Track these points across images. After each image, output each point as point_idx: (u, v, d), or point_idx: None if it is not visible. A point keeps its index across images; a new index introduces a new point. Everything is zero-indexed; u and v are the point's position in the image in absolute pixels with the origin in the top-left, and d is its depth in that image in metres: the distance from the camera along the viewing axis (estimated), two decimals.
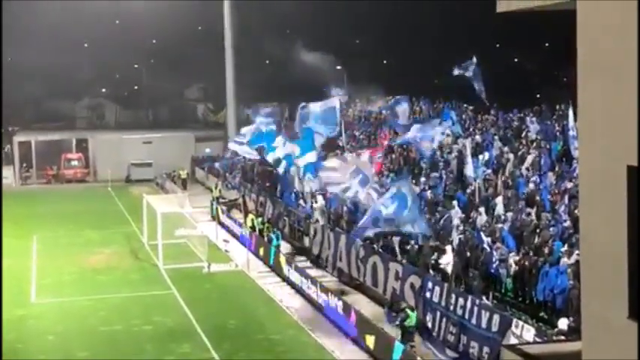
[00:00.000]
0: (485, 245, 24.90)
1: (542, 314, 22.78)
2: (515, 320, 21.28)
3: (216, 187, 53.21)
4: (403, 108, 42.26)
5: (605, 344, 9.59)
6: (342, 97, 49.36)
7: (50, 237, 44.19)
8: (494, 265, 24.69)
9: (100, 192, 62.69)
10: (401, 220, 25.89)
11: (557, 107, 38.87)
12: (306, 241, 37.38)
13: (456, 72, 39.04)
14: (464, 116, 43.21)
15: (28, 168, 69.75)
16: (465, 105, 45.50)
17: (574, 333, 16.76)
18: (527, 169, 31.40)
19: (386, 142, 41.46)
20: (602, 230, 9.64)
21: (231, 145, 47.56)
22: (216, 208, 47.56)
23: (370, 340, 24.46)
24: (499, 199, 28.52)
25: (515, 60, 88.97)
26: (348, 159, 31.92)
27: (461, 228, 27.58)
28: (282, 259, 34.72)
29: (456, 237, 27.29)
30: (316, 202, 37.59)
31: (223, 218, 46.23)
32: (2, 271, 32.23)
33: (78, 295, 32.60)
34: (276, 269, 35.14)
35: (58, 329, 28.15)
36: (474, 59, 38.93)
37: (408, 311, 23.84)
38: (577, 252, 20.68)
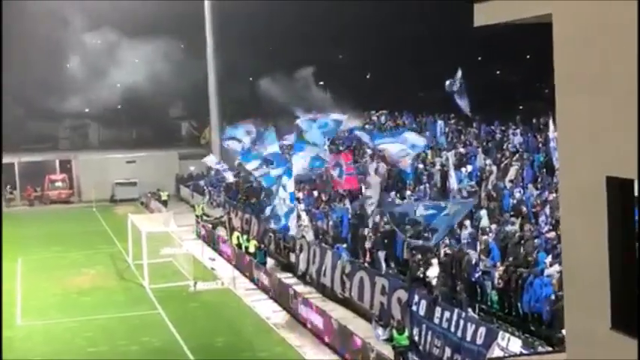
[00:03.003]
0: (473, 257, 25.00)
1: (528, 325, 22.82)
2: (501, 332, 21.32)
3: (198, 206, 53.24)
4: None
5: (589, 355, 9.62)
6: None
7: (35, 259, 44.01)
8: (479, 278, 24.77)
9: (84, 212, 62.49)
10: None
11: (539, 119, 39.03)
12: (293, 257, 37.34)
13: (447, 89, 39.38)
14: (447, 129, 43.37)
15: (12, 190, 69.36)
16: (449, 117, 45.65)
17: None
18: (511, 181, 31.52)
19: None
20: (583, 241, 9.68)
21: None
22: (202, 226, 47.65)
23: None
24: (483, 212, 28.59)
25: (497, 72, 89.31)
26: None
27: (446, 241, 27.61)
28: (268, 276, 34.69)
29: (441, 250, 27.34)
30: (300, 218, 37.58)
31: (208, 236, 46.20)
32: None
33: (64, 317, 32.46)
34: (263, 286, 35.09)
35: (45, 351, 28.04)
36: (459, 73, 39.17)
37: (394, 332, 23.92)
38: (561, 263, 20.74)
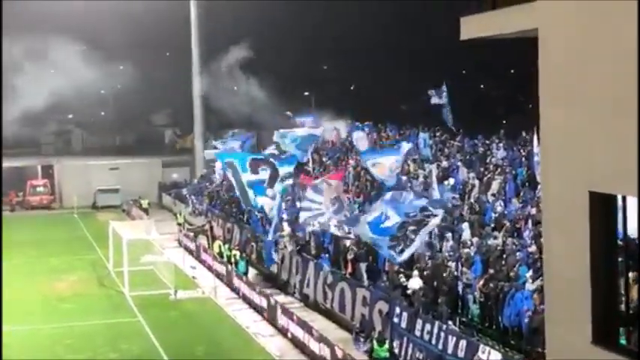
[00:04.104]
0: (454, 270, 25.07)
1: (508, 339, 22.87)
2: (482, 345, 21.36)
3: (180, 214, 53.07)
4: (359, 135, 43.17)
5: None
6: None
7: (15, 264, 43.63)
8: (461, 291, 24.84)
9: (65, 218, 62.17)
10: None
11: (523, 133, 39.21)
12: (274, 267, 37.27)
13: (434, 101, 39.54)
14: (431, 142, 43.44)
15: None
16: (434, 130, 45.77)
17: None
18: (493, 194, 31.62)
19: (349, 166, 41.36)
20: (565, 255, 9.72)
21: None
22: (184, 234, 47.56)
23: None
24: (465, 225, 28.67)
25: (482, 87, 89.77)
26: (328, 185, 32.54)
27: (428, 253, 27.68)
28: (250, 286, 34.63)
29: (423, 262, 27.40)
30: (282, 229, 37.53)
31: (190, 244, 46.07)
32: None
33: (43, 323, 32.26)
34: (244, 296, 35.01)
35: (24, 358, 27.80)
36: (444, 87, 39.35)
37: (375, 343, 23.92)
38: (542, 277, 20.80)
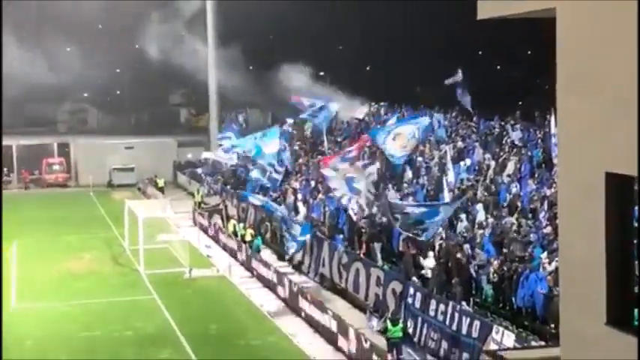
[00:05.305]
0: (468, 251, 25.04)
1: (522, 320, 22.87)
2: (495, 326, 21.38)
3: (198, 193, 53.17)
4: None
5: (583, 350, 9.63)
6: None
7: (30, 242, 43.94)
8: (474, 272, 24.82)
9: (81, 197, 62.41)
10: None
11: (539, 114, 39.03)
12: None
13: (448, 82, 39.46)
14: (446, 122, 43.31)
15: (9, 172, 69.11)
16: (450, 111, 45.62)
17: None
18: (509, 175, 31.53)
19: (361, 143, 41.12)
20: (580, 236, 9.68)
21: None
22: (199, 214, 47.66)
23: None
24: (480, 206, 28.62)
25: (498, 67, 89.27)
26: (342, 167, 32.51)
27: (442, 234, 27.66)
28: (264, 265, 34.71)
29: (437, 243, 27.39)
30: (298, 212, 37.61)
31: (205, 223, 46.19)
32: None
33: (58, 301, 32.45)
34: (258, 275, 35.11)
35: (38, 334, 28.03)
36: (459, 72, 39.21)
37: (389, 323, 23.93)
38: (557, 258, 20.77)
